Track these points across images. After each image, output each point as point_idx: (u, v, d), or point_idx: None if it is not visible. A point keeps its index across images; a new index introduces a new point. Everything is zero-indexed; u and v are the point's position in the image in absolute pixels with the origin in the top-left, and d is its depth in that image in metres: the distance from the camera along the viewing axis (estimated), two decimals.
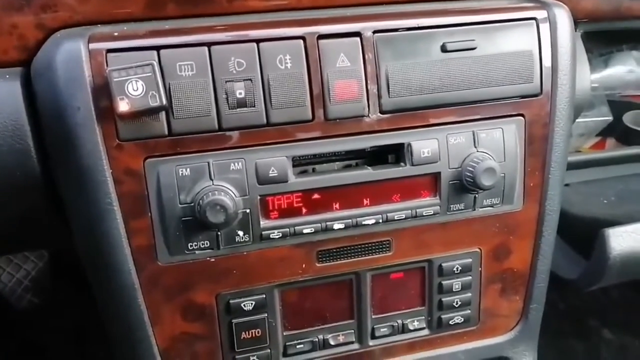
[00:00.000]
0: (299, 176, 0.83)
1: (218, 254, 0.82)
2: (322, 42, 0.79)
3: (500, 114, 0.88)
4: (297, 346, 0.92)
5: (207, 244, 0.81)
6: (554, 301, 2.02)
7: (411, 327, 0.96)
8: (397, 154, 0.86)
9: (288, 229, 0.83)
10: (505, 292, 0.99)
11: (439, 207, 0.87)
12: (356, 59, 0.80)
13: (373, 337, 0.95)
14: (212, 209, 0.75)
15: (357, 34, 0.80)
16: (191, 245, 0.80)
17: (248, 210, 0.80)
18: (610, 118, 1.31)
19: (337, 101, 0.80)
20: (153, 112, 0.73)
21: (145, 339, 0.85)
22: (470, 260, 0.94)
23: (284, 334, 0.91)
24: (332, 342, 0.93)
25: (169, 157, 0.77)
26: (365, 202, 0.85)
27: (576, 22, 0.96)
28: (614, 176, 1.35)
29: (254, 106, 0.77)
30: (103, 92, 0.73)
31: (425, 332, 0.98)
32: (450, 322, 0.97)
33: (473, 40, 0.84)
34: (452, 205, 0.88)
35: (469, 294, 0.96)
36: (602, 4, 1.00)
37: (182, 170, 0.77)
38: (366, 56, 0.80)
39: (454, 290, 0.95)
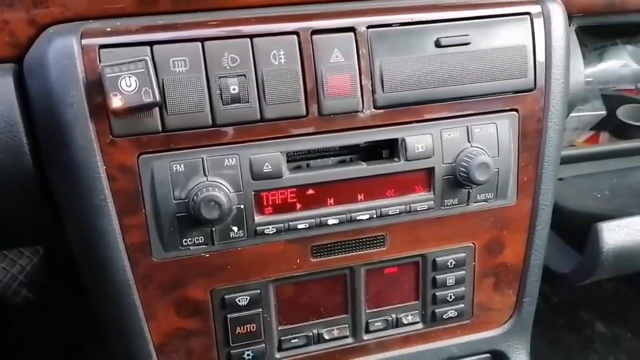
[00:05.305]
0: (293, 172, 0.83)
1: (212, 249, 0.82)
2: (316, 37, 0.79)
3: (494, 109, 0.88)
4: (292, 341, 0.92)
5: (201, 239, 0.81)
6: (547, 294, 2.04)
7: (405, 322, 0.96)
8: (391, 149, 0.86)
9: (282, 225, 0.83)
10: (499, 286, 1.00)
11: (433, 202, 0.88)
12: (350, 54, 0.80)
13: (367, 331, 0.96)
14: (206, 205, 0.75)
15: (351, 29, 0.80)
16: (186, 241, 0.80)
17: (242, 206, 0.80)
18: (604, 112, 1.32)
19: (331, 97, 0.80)
20: (146, 108, 0.73)
21: (140, 335, 0.85)
22: (464, 254, 0.95)
23: (279, 328, 0.91)
24: (326, 337, 0.94)
25: (163, 153, 0.77)
26: (359, 197, 0.85)
27: (570, 16, 0.96)
28: (607, 170, 1.35)
29: (248, 102, 0.77)
30: (96, 88, 0.72)
31: (419, 326, 0.98)
32: (444, 316, 0.98)
33: (467, 35, 0.84)
34: (446, 200, 0.88)
35: (463, 288, 0.97)
36: None
37: (176, 166, 0.77)
38: (360, 51, 0.80)
39: (447, 284, 0.96)
